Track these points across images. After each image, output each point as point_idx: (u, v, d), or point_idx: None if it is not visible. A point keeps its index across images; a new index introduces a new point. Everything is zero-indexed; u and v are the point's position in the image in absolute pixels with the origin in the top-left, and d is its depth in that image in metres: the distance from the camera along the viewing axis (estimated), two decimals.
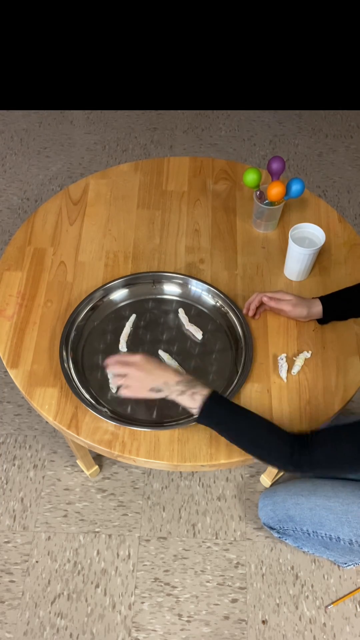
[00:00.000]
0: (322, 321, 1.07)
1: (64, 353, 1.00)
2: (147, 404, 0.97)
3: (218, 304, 1.09)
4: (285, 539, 1.27)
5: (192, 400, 0.85)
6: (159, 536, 1.44)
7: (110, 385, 0.98)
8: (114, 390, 0.98)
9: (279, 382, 1.00)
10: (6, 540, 1.43)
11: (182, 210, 1.25)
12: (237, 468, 1.55)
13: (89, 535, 1.44)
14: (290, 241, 1.07)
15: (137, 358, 0.89)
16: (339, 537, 1.12)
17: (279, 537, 1.28)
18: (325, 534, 1.13)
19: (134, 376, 0.88)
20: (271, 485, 1.50)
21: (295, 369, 1.01)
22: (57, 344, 1.03)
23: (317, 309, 1.04)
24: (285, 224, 1.22)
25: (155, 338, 1.05)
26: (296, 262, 1.09)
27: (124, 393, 0.89)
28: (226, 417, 0.86)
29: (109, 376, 0.99)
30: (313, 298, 1.05)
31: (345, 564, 1.32)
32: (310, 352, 1.03)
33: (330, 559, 1.34)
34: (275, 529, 1.24)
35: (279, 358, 1.02)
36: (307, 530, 1.15)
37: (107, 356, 1.01)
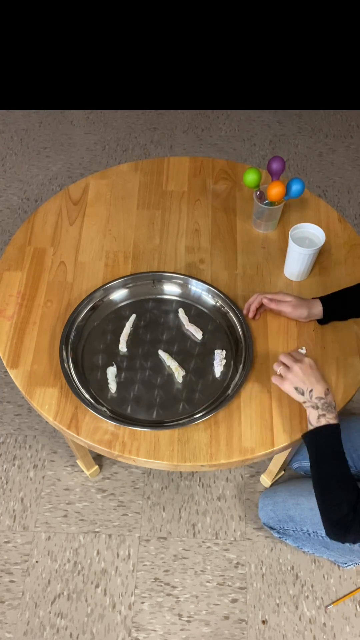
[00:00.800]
0: (322, 321, 1.07)
1: (64, 353, 1.00)
2: (147, 404, 0.97)
3: (218, 304, 1.09)
4: (286, 539, 1.27)
5: (317, 419, 0.89)
6: (159, 536, 1.44)
7: (110, 385, 0.99)
8: (113, 391, 0.98)
9: None
10: (6, 540, 1.43)
11: (182, 210, 1.25)
12: (237, 468, 1.55)
13: (89, 535, 1.44)
14: (290, 241, 1.07)
15: (307, 360, 0.93)
16: None
17: (279, 537, 1.28)
18: (325, 535, 1.13)
19: (293, 371, 0.92)
20: (271, 485, 1.50)
21: None
22: (57, 344, 1.03)
23: (318, 309, 1.04)
24: (285, 224, 1.22)
25: (155, 338, 1.05)
26: (296, 262, 1.09)
27: (276, 380, 0.95)
28: (324, 450, 0.88)
29: (109, 376, 0.99)
30: (313, 298, 1.05)
31: (345, 564, 1.32)
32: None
33: (331, 559, 1.34)
34: (275, 529, 1.24)
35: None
36: (308, 531, 1.15)
37: (107, 356, 1.02)
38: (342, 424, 1.26)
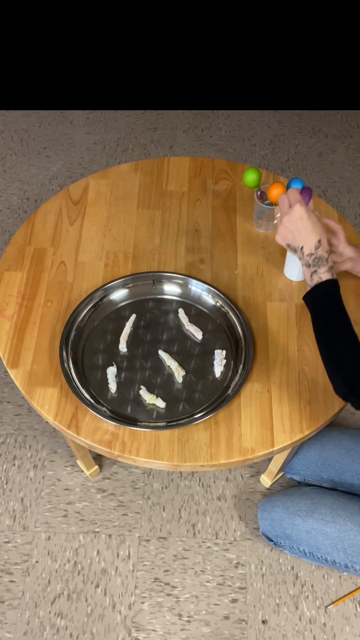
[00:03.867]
0: None
1: (64, 353, 1.00)
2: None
3: (218, 304, 1.09)
4: (283, 550, 1.27)
5: (310, 278, 0.83)
6: (159, 536, 1.44)
7: (110, 386, 0.99)
8: (113, 391, 0.98)
9: (279, 382, 1.00)
10: (6, 540, 1.43)
11: (182, 210, 1.25)
12: (237, 468, 1.55)
13: (89, 535, 1.44)
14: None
15: (296, 208, 0.84)
16: (334, 561, 1.11)
17: (277, 547, 1.28)
18: (321, 556, 1.13)
19: (282, 223, 0.86)
20: (271, 485, 1.50)
21: None
22: (57, 344, 1.03)
23: None
24: None
25: (155, 338, 1.05)
26: (296, 262, 1.09)
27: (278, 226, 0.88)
28: (321, 311, 0.83)
29: (109, 376, 0.99)
30: None
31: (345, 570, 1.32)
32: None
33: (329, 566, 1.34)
34: (273, 540, 1.23)
35: None
36: (304, 550, 1.15)
37: (107, 356, 1.02)
38: (332, 434, 1.24)
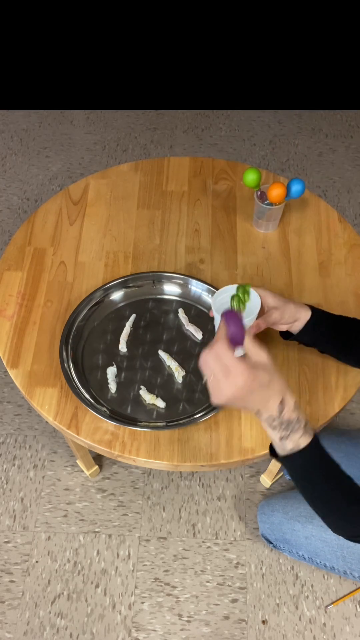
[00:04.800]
0: (293, 336, 0.91)
1: (64, 353, 1.00)
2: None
3: None
4: (282, 552, 1.26)
5: (280, 442, 0.67)
6: (159, 536, 1.44)
7: (110, 386, 0.99)
8: (113, 391, 0.98)
9: None
10: (6, 540, 1.43)
11: (182, 210, 1.25)
12: (237, 468, 1.55)
13: (89, 535, 1.44)
14: (214, 312, 0.85)
15: (239, 372, 0.63)
16: (333, 567, 1.11)
17: (277, 550, 1.28)
18: (320, 562, 1.12)
19: (225, 387, 0.65)
20: (271, 485, 1.50)
21: None
22: (57, 344, 1.03)
23: (306, 313, 0.87)
24: (285, 224, 1.22)
25: (155, 338, 1.05)
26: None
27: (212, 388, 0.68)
28: (313, 479, 0.69)
29: (109, 376, 0.99)
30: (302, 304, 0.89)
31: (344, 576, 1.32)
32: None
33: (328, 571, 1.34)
34: (272, 543, 1.23)
35: None
36: (303, 555, 1.15)
37: (107, 356, 1.02)
38: (331, 437, 1.22)
